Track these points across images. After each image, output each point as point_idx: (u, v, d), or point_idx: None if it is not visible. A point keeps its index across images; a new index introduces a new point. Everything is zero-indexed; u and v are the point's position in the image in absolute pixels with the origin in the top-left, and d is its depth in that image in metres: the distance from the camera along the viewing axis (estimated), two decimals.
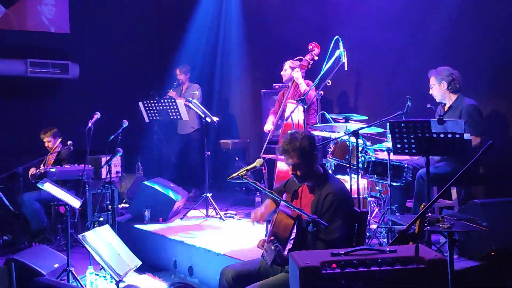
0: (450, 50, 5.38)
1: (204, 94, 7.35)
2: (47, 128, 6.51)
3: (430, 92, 4.75)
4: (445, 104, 4.75)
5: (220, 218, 5.80)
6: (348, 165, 4.67)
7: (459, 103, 4.61)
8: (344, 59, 5.03)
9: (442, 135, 3.57)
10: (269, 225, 3.36)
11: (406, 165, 4.52)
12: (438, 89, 4.67)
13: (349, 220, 3.11)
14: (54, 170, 5.91)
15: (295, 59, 6.00)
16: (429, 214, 3.16)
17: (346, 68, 5.04)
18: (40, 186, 4.44)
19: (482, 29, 5.14)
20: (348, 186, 4.49)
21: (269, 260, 3.03)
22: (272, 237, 3.06)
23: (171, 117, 6.47)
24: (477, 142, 4.40)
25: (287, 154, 3.14)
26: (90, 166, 6.09)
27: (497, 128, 4.94)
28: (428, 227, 3.07)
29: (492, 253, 3.67)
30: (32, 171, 6.25)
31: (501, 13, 5.02)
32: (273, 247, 2.99)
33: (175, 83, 7.20)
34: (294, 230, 3.13)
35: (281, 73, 6.14)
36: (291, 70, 5.98)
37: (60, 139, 6.51)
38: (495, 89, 5.07)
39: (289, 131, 3.38)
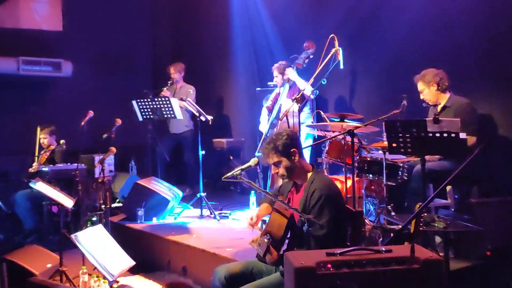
0: (445, 50, 5.38)
1: (198, 93, 7.30)
2: (44, 124, 6.46)
3: (421, 97, 4.72)
4: (439, 104, 4.74)
5: (215, 217, 5.77)
6: (343, 164, 4.65)
7: (453, 103, 4.60)
8: (339, 57, 5.01)
9: (438, 135, 3.56)
10: (263, 225, 3.34)
11: (401, 164, 4.51)
12: (429, 93, 4.65)
13: (338, 217, 3.09)
14: (47, 169, 5.86)
15: (290, 57, 5.99)
16: (425, 214, 3.16)
17: (341, 67, 5.02)
18: (32, 186, 4.41)
19: (478, 29, 5.13)
20: (343, 186, 4.48)
21: (261, 252, 3.02)
22: (266, 233, 3.05)
23: (165, 115, 6.43)
24: (472, 142, 4.39)
25: (266, 155, 3.25)
26: (83, 165, 6.05)
27: (491, 128, 4.93)
28: (424, 227, 3.07)
29: (488, 253, 3.66)
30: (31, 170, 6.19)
31: (496, 12, 5.01)
32: (266, 240, 2.98)
33: (169, 82, 7.13)
34: (288, 229, 3.11)
35: (274, 80, 6.17)
36: (281, 75, 6.03)
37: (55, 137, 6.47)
38: (489, 88, 5.07)
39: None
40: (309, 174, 3.23)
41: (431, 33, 5.55)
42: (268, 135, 5.85)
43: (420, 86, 4.68)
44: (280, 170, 3.22)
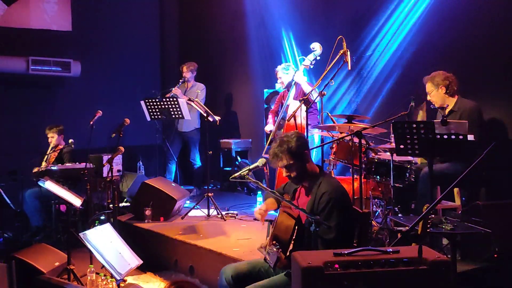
0: (451, 52, 5.37)
1: (206, 93, 7.32)
2: (53, 124, 6.51)
3: (428, 98, 4.70)
4: (447, 106, 4.72)
5: (221, 217, 5.78)
6: (350, 166, 4.65)
7: (460, 106, 4.57)
8: (347, 59, 5.00)
9: (445, 136, 3.55)
10: (270, 226, 3.34)
11: (409, 166, 4.50)
12: (437, 95, 4.62)
13: (347, 219, 3.09)
14: (55, 168, 5.90)
15: (298, 58, 6.01)
16: (432, 216, 3.16)
17: (349, 68, 5.02)
18: (41, 184, 4.43)
19: (482, 30, 5.12)
20: (350, 187, 4.48)
21: (271, 262, 3.00)
22: (274, 241, 3.05)
23: (173, 116, 6.45)
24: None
25: (277, 157, 3.14)
26: (91, 164, 6.07)
27: (498, 130, 4.92)
28: (431, 229, 3.06)
29: (495, 255, 3.65)
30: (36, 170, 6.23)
31: (500, 14, 4.99)
32: (275, 249, 2.97)
33: (180, 80, 7.16)
34: (295, 231, 3.10)
35: (279, 81, 6.16)
36: (285, 76, 6.04)
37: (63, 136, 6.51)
38: (496, 90, 5.05)
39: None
40: (316, 176, 3.21)
41: (437, 35, 5.54)
42: (275, 135, 5.86)
43: (429, 87, 4.66)
44: (293, 173, 3.16)
